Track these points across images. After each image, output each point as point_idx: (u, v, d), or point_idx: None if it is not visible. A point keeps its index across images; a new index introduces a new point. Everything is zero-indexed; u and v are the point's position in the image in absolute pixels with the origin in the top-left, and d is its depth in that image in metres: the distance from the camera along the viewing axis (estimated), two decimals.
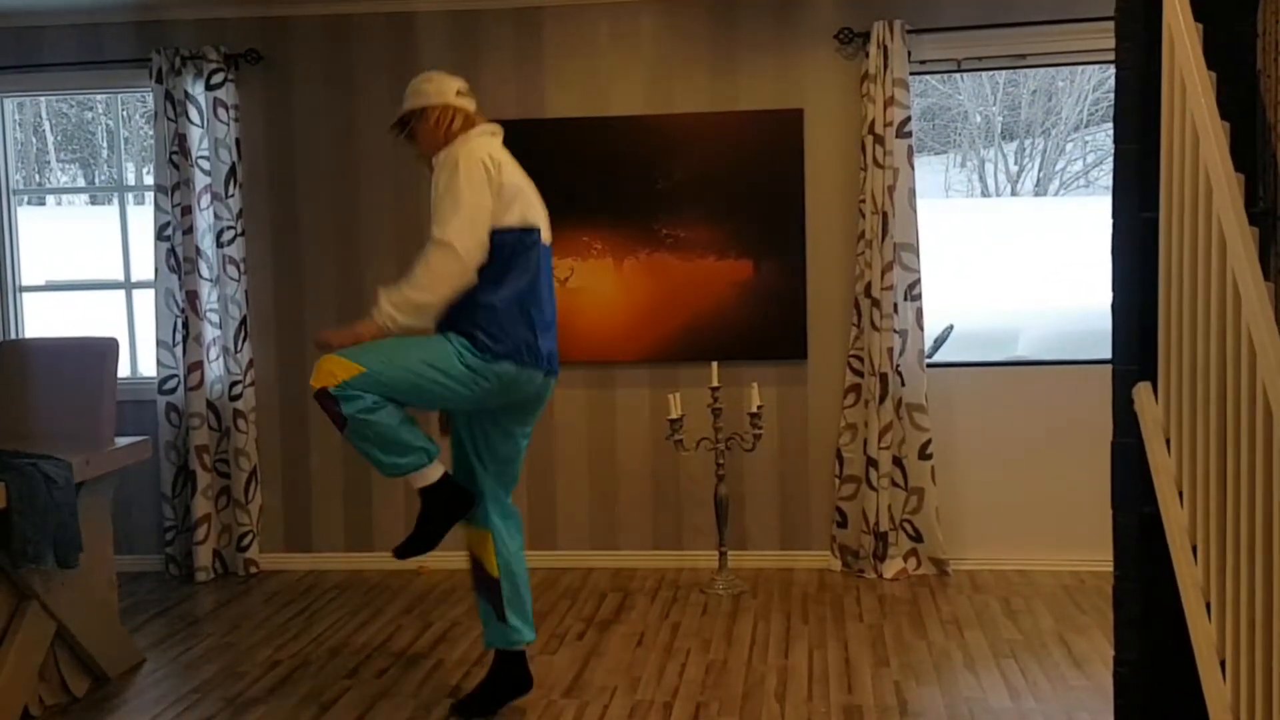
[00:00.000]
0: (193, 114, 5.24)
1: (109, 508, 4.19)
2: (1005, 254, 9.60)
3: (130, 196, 6.07)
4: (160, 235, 5.33)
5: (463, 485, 3.56)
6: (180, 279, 5.29)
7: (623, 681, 3.97)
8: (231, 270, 5.32)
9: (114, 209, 5.86)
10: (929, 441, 5.05)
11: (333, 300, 5.42)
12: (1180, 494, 2.64)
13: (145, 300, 5.53)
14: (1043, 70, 9.29)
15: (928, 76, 6.17)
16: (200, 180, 5.26)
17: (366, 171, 5.37)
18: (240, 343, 5.35)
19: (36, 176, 11.60)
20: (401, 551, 3.55)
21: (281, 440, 5.49)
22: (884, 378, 5.00)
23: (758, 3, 5.14)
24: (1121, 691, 2.93)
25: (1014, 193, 11.88)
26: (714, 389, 4.95)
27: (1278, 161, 2.69)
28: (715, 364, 4.98)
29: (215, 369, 5.35)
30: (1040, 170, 11.93)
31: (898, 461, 5.09)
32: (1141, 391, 2.84)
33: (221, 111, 5.26)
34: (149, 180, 5.59)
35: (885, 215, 4.96)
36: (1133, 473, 2.85)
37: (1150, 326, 2.80)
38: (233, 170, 5.29)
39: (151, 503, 5.46)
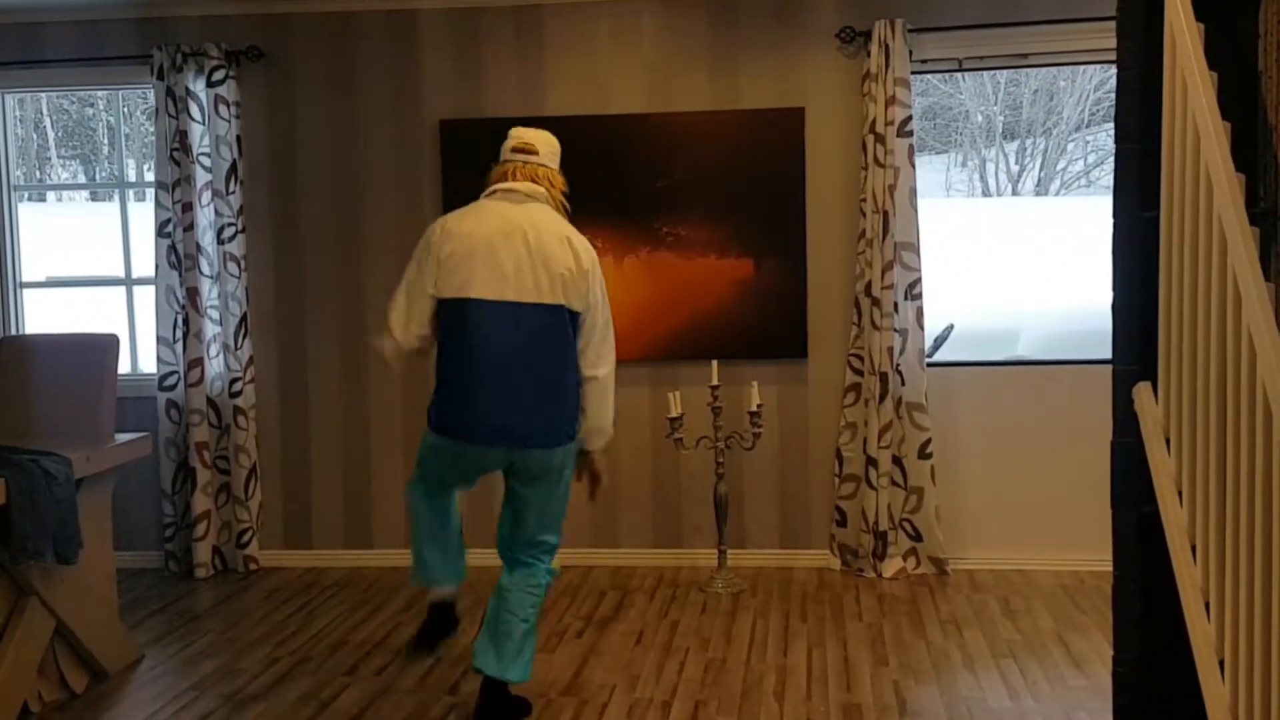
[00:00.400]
0: (194, 110, 5.24)
1: (109, 504, 4.20)
2: (1006, 254, 9.59)
3: (131, 193, 6.08)
4: (161, 232, 5.33)
5: (444, 621, 3.71)
6: (181, 275, 5.29)
7: (622, 680, 3.97)
8: (232, 267, 5.32)
9: (115, 205, 5.87)
10: (929, 441, 5.05)
11: (333, 297, 5.42)
12: (1180, 494, 2.63)
13: (146, 297, 5.53)
14: (1044, 70, 9.27)
15: (929, 75, 6.17)
16: (201, 177, 5.26)
17: (367, 169, 5.37)
18: (240, 339, 5.35)
19: (37, 173, 11.60)
20: (413, 647, 3.76)
21: (281, 437, 5.50)
22: (884, 377, 5.00)
23: (759, 1, 5.14)
24: (1120, 691, 2.93)
25: (1015, 192, 11.87)
26: (714, 387, 4.95)
27: (1278, 161, 2.69)
28: (715, 362, 4.98)
29: (215, 366, 5.35)
30: (1041, 170, 11.92)
31: (897, 461, 5.08)
32: (1141, 391, 2.84)
33: (223, 108, 5.26)
34: (150, 177, 5.59)
35: (886, 214, 4.96)
36: (1132, 472, 2.84)
37: (1150, 326, 2.80)
38: (234, 167, 5.29)
39: (151, 499, 5.47)
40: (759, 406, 4.95)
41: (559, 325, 3.43)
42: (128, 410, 5.23)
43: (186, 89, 5.23)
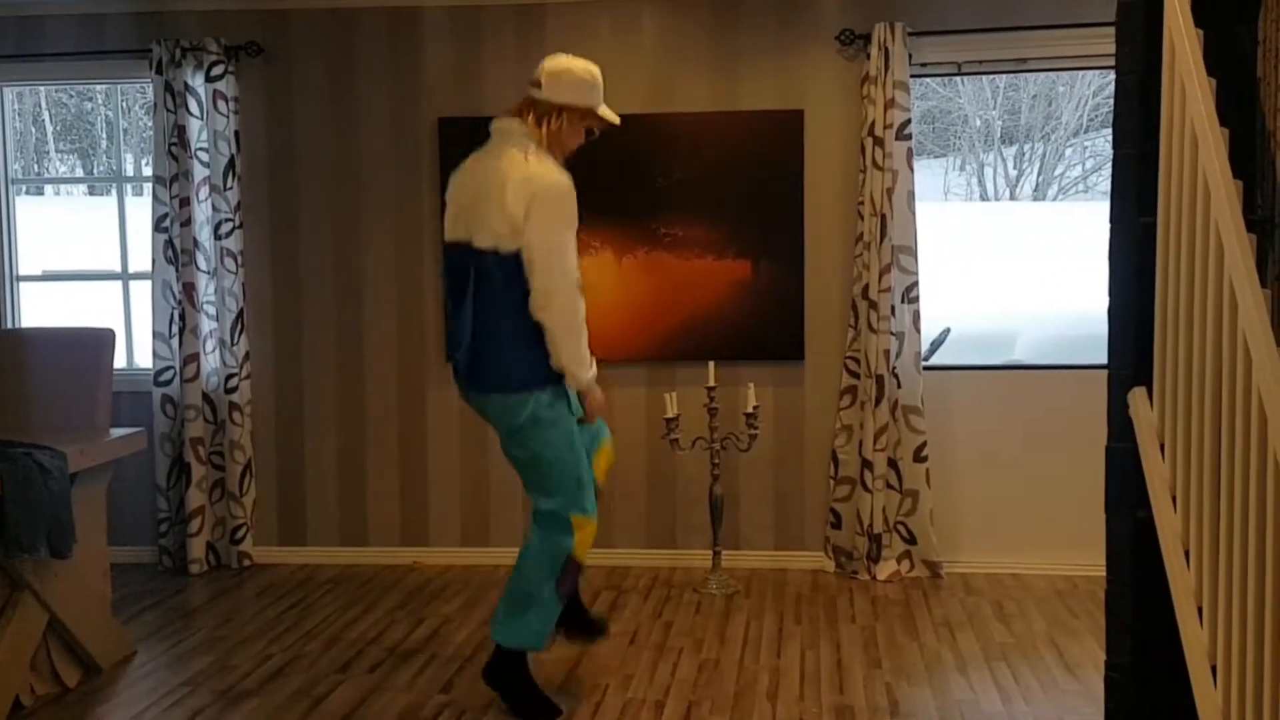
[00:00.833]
0: (192, 106, 5.24)
1: (103, 498, 4.19)
2: (1003, 258, 9.61)
3: (129, 187, 6.07)
4: (158, 227, 5.33)
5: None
6: (177, 271, 5.29)
7: (615, 680, 3.97)
8: (229, 263, 5.32)
9: (112, 200, 5.86)
10: (924, 444, 5.06)
11: (330, 295, 5.42)
12: (1174, 499, 2.64)
13: (142, 291, 5.53)
14: (1043, 75, 9.26)
15: (928, 79, 6.17)
16: (199, 172, 5.25)
17: (365, 166, 5.37)
18: (237, 335, 5.35)
19: (35, 166, 11.59)
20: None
21: (276, 434, 5.49)
22: (880, 380, 5.00)
23: (759, 3, 5.14)
24: (1112, 696, 2.94)
25: (1013, 197, 11.89)
26: (710, 389, 4.95)
27: (1276, 168, 2.69)
28: (712, 364, 4.98)
29: (211, 361, 5.35)
30: (1039, 175, 11.94)
31: (893, 463, 5.09)
32: (1137, 396, 2.84)
33: (221, 104, 5.25)
34: (147, 171, 5.58)
35: (884, 217, 4.96)
36: (1127, 477, 2.85)
37: (1147, 332, 2.81)
38: (231, 163, 5.29)
39: (146, 494, 5.46)
40: (755, 408, 4.95)
41: (489, 269, 3.42)
42: (123, 405, 5.23)
43: (185, 84, 5.22)
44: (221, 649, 4.34)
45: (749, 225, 5.18)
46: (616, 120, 3.71)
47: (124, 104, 6.90)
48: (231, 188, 5.29)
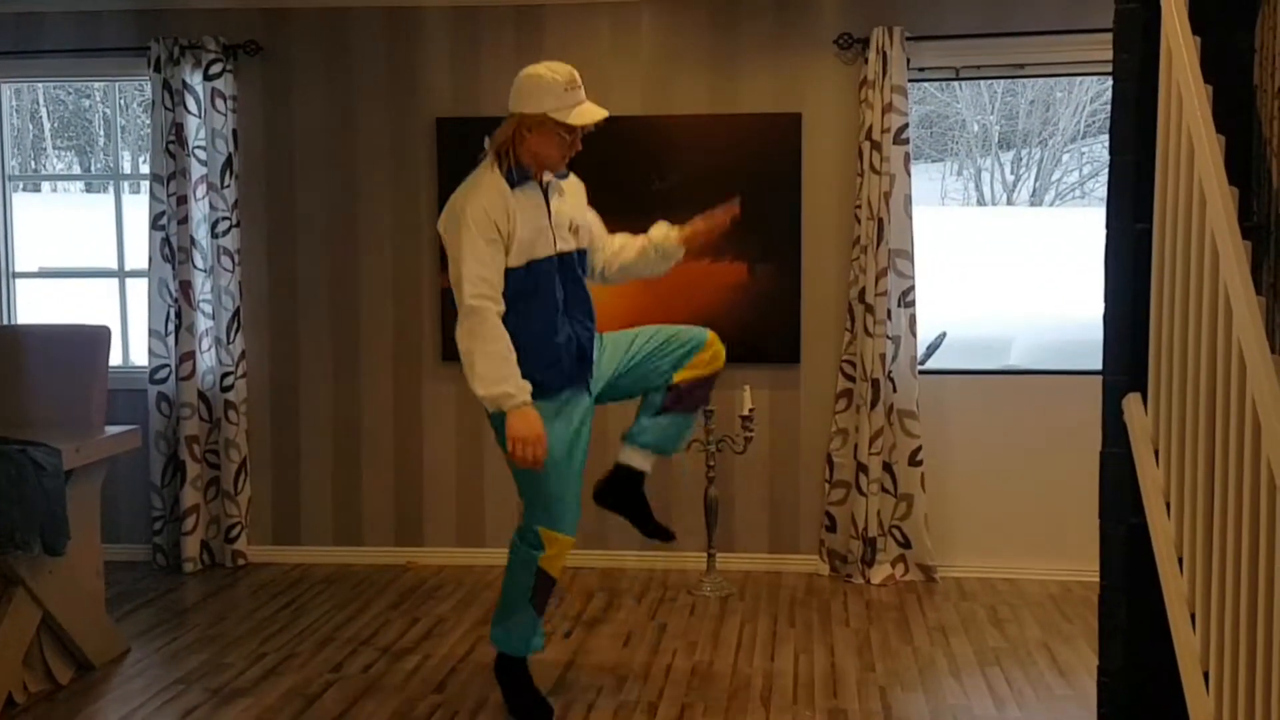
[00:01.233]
0: (190, 104, 5.24)
1: (98, 496, 4.19)
2: (1000, 263, 9.63)
3: (126, 185, 6.06)
4: (155, 224, 5.32)
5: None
6: (174, 269, 5.29)
7: (608, 681, 3.97)
8: (225, 261, 5.31)
9: (109, 197, 5.86)
10: (919, 448, 5.06)
11: (327, 294, 5.42)
12: (1168, 505, 2.64)
13: (138, 289, 5.52)
14: (1041, 80, 9.28)
15: (926, 84, 6.17)
16: (196, 170, 5.25)
17: (363, 166, 5.36)
18: (233, 334, 5.35)
19: (32, 163, 11.59)
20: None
21: (271, 433, 5.49)
22: (876, 383, 5.01)
23: (758, 6, 5.15)
24: (1105, 701, 2.94)
25: (1010, 202, 11.92)
26: None
27: (1272, 176, 2.70)
28: None
29: (207, 360, 5.34)
30: (1036, 180, 11.96)
31: (888, 467, 5.09)
32: (1131, 403, 2.85)
33: (219, 102, 5.25)
34: (145, 169, 5.58)
35: (881, 221, 4.96)
36: (1121, 483, 2.85)
37: (1142, 338, 2.81)
38: (229, 161, 5.28)
39: (140, 492, 5.45)
40: (751, 411, 4.95)
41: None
42: (118, 403, 5.21)
43: (183, 82, 5.22)
44: (215, 647, 4.33)
45: (746, 228, 5.16)
46: (580, 122, 3.47)
47: (122, 101, 6.89)
48: (229, 186, 5.29)
